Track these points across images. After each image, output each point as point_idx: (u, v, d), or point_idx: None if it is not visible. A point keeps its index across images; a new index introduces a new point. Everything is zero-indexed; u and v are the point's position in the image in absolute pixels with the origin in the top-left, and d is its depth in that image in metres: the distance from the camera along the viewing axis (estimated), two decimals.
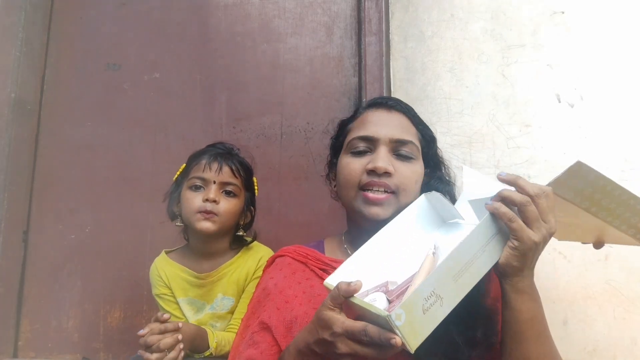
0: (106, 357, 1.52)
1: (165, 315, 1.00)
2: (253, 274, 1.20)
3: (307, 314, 0.87)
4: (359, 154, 0.91)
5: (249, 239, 1.25)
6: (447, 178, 0.97)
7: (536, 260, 0.75)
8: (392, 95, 1.46)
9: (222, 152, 1.20)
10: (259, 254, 1.23)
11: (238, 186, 1.19)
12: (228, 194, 1.17)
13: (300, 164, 1.52)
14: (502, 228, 0.73)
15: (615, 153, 1.31)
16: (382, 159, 0.87)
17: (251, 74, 1.59)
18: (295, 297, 0.90)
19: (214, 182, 1.15)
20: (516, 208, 0.72)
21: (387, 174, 0.87)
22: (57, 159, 1.64)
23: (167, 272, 1.22)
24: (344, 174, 0.92)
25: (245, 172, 1.22)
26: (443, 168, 0.99)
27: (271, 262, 1.02)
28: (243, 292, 1.20)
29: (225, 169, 1.16)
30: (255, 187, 1.26)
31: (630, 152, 1.31)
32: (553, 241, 1.29)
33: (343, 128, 1.01)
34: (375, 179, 0.87)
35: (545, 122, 1.36)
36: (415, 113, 0.99)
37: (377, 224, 0.87)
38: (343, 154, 0.96)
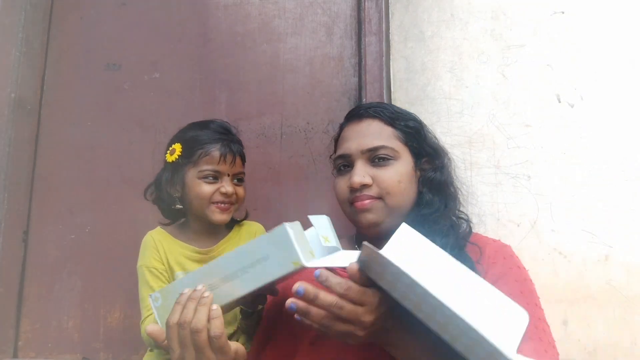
0: (106, 357, 1.52)
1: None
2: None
3: None
4: (342, 172, 0.96)
5: (239, 219, 1.28)
6: (443, 166, 0.97)
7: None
8: (393, 95, 1.46)
9: (230, 140, 1.19)
10: (252, 227, 1.26)
11: (244, 172, 1.23)
12: (239, 181, 1.21)
13: (300, 164, 1.52)
14: (270, 254, 0.72)
15: (615, 153, 1.31)
16: (357, 173, 0.91)
17: (251, 74, 1.59)
18: None
19: (228, 175, 1.17)
20: None
21: (364, 186, 0.90)
22: (57, 159, 1.64)
23: (164, 245, 1.20)
24: (336, 194, 0.98)
25: (242, 155, 1.24)
26: (440, 156, 0.98)
27: None
28: None
29: (237, 159, 1.18)
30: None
31: (630, 152, 1.31)
32: (553, 241, 1.30)
33: (335, 146, 1.05)
34: (358, 194, 0.91)
35: (545, 122, 1.36)
36: (392, 109, 0.98)
37: (376, 230, 0.92)
38: (335, 172, 1.00)
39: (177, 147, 1.18)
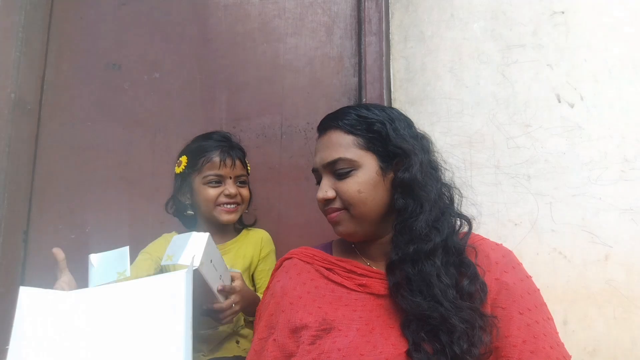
0: None
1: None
2: (260, 252, 1.30)
3: (311, 314, 0.87)
4: (317, 184, 0.98)
5: (248, 224, 1.38)
6: (412, 164, 0.90)
7: None
8: (393, 95, 1.46)
9: (229, 146, 1.28)
10: (259, 234, 1.34)
11: (246, 175, 1.31)
12: (242, 183, 1.29)
13: (300, 164, 1.52)
14: None
15: (615, 153, 1.31)
16: (320, 189, 0.94)
17: (251, 74, 1.59)
18: (300, 299, 0.91)
19: (230, 178, 1.25)
20: None
21: (329, 200, 0.93)
22: (57, 159, 1.64)
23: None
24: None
25: (243, 158, 1.32)
26: (412, 154, 0.90)
27: (279, 265, 1.03)
28: (250, 268, 1.28)
29: (237, 162, 1.26)
30: (248, 167, 1.35)
31: (630, 152, 1.31)
32: (553, 241, 1.30)
33: None
34: (327, 207, 0.94)
35: (545, 122, 1.36)
36: (355, 115, 0.93)
37: (354, 238, 0.96)
38: None
39: (183, 159, 1.29)
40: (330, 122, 0.96)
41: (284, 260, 1.03)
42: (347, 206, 0.91)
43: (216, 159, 1.24)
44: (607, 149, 1.32)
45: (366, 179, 0.91)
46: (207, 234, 0.95)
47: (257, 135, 1.55)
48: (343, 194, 0.91)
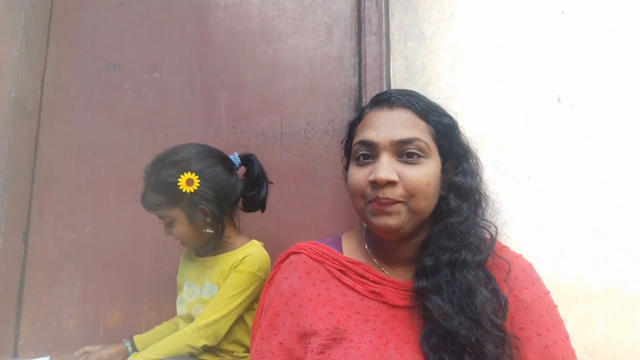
0: None
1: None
2: (236, 267, 1.20)
3: (321, 320, 0.82)
4: (362, 162, 0.85)
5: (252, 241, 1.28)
6: (473, 169, 0.87)
7: None
8: None
9: (142, 194, 1.21)
10: (247, 249, 1.23)
11: (166, 213, 1.19)
12: (168, 224, 1.21)
13: (300, 164, 1.52)
14: None
15: (615, 153, 1.31)
16: (384, 167, 0.80)
17: (251, 74, 1.59)
18: (310, 301, 0.85)
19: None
20: None
21: (390, 183, 0.80)
22: (57, 159, 1.64)
23: (183, 261, 1.34)
24: (351, 185, 0.86)
25: (166, 192, 1.17)
26: (470, 158, 0.88)
27: (285, 257, 0.95)
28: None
29: (147, 208, 1.22)
30: (191, 186, 1.16)
31: (630, 152, 1.31)
32: (553, 241, 1.30)
33: (351, 130, 0.93)
34: (379, 194, 0.80)
35: (545, 122, 1.36)
36: (426, 102, 0.86)
37: (393, 235, 0.84)
38: (351, 161, 0.89)
39: None
40: (401, 99, 0.84)
41: (291, 254, 0.94)
42: (409, 197, 0.80)
43: None
44: (608, 148, 1.32)
45: (433, 172, 0.82)
46: None
47: (257, 135, 1.55)
48: (411, 182, 0.79)
